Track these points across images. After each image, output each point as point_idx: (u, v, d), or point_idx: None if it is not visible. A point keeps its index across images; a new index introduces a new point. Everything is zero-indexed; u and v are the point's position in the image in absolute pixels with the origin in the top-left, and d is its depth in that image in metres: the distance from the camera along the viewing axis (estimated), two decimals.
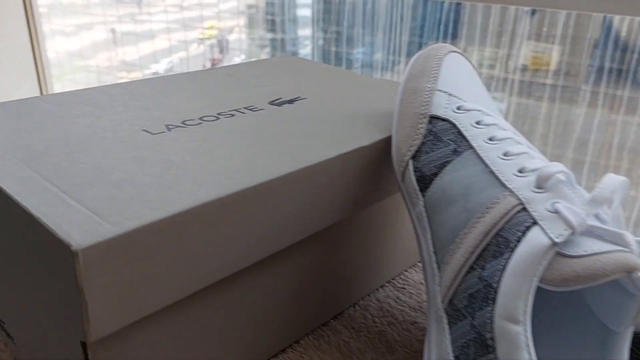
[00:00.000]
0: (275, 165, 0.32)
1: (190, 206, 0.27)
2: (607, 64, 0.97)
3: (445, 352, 0.28)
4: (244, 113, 0.41)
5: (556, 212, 0.26)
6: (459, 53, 0.40)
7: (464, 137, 0.33)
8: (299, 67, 0.54)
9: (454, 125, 0.33)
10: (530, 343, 0.24)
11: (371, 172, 0.37)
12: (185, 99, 0.43)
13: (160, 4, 2.11)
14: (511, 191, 0.28)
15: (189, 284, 0.28)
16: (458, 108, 0.34)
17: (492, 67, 1.09)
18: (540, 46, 1.02)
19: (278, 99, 0.44)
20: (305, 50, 1.69)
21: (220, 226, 0.28)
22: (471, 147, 0.32)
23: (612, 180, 0.27)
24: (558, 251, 0.25)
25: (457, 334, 0.27)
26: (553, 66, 1.02)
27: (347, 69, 0.53)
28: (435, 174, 0.32)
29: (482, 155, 0.31)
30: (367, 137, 0.37)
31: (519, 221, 0.27)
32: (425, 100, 0.35)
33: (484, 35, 1.09)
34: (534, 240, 0.25)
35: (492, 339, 0.25)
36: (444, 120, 0.34)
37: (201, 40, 2.06)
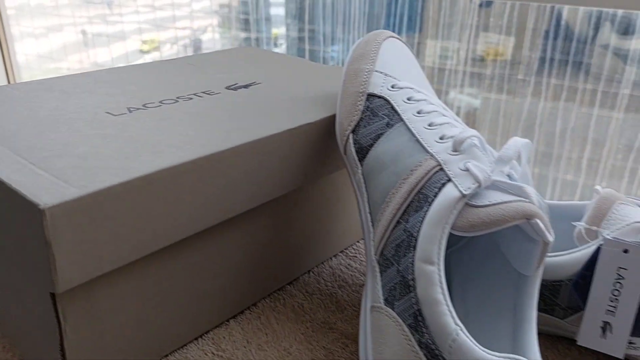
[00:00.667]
0: (227, 139, 0.35)
1: (146, 173, 0.30)
2: (557, 55, 1.02)
3: (377, 296, 0.32)
4: (201, 97, 0.44)
5: (467, 170, 0.30)
6: (397, 38, 0.44)
7: (396, 111, 0.36)
8: (257, 56, 0.58)
9: (388, 102, 0.37)
10: (443, 280, 0.28)
11: (318, 146, 0.41)
12: (146, 85, 0.46)
13: (131, 5, 2.11)
14: (432, 155, 0.32)
15: (147, 244, 0.31)
16: (392, 86, 0.38)
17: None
18: (495, 37, 1.08)
19: (234, 84, 0.48)
20: (280, 49, 1.71)
21: (175, 192, 0.32)
22: (402, 120, 0.36)
23: (516, 142, 0.31)
24: (467, 202, 0.29)
25: (386, 279, 0.31)
26: (508, 57, 1.07)
27: (302, 58, 0.57)
28: (371, 145, 0.36)
29: (410, 126, 0.35)
30: (313, 115, 0.40)
31: (437, 179, 0.31)
32: (364, 80, 0.39)
33: (449, 28, 1.14)
34: (447, 194, 0.29)
35: (413, 279, 0.29)
36: (379, 97, 0.38)
37: (174, 40, 2.06)
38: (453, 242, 0.39)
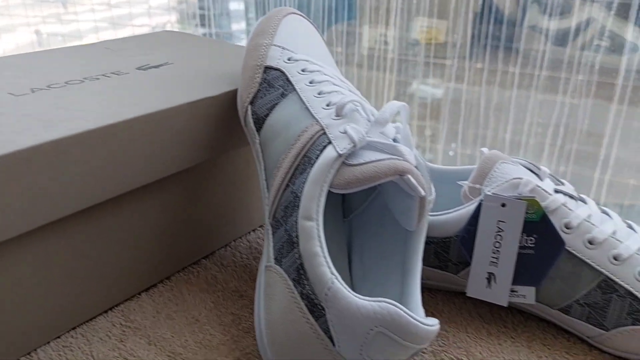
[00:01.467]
0: (127, 111, 0.36)
1: (30, 145, 0.31)
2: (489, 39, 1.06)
3: (269, 256, 0.33)
4: (109, 77, 0.44)
5: (345, 132, 0.32)
6: (300, 15, 0.45)
7: (290, 82, 0.38)
8: (176, 39, 0.58)
9: (284, 73, 0.39)
10: (321, 234, 0.30)
11: (222, 120, 0.42)
12: (56, 68, 0.46)
13: (86, 3, 2.05)
14: (317, 121, 0.34)
15: (37, 216, 0.32)
16: (289, 59, 0.40)
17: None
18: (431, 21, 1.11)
19: (145, 65, 0.48)
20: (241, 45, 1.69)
21: (64, 165, 0.32)
22: (295, 90, 0.37)
23: (392, 106, 0.33)
24: (344, 162, 0.31)
25: (277, 239, 0.33)
26: (442, 40, 1.11)
27: (224, 40, 0.57)
28: (267, 115, 0.37)
29: (301, 95, 0.36)
30: (216, 90, 0.41)
31: (319, 143, 0.32)
32: (262, 54, 0.40)
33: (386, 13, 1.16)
34: (326, 155, 0.31)
35: (296, 236, 0.31)
36: (276, 69, 0.39)
37: None
38: (355, 206, 0.41)
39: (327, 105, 0.35)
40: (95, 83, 0.43)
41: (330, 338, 0.29)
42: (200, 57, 0.51)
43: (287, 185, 0.33)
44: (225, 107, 0.42)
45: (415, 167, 0.34)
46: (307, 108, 0.35)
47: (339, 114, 0.33)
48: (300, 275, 0.30)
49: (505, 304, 0.37)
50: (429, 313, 0.40)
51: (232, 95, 0.42)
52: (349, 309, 0.28)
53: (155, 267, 0.42)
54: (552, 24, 1.05)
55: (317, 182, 0.31)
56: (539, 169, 0.39)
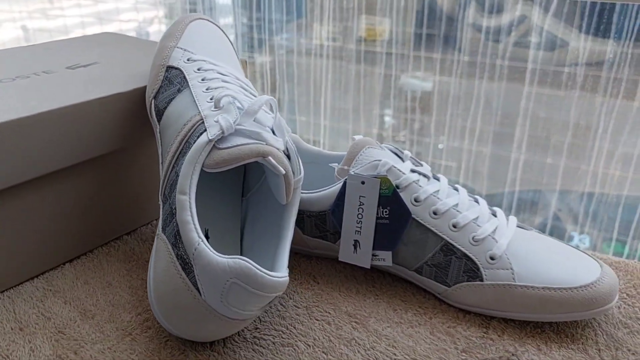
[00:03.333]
0: (43, 105, 0.42)
1: None
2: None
3: (158, 228, 0.39)
4: (39, 75, 0.50)
5: (217, 121, 0.38)
6: (207, 20, 0.51)
7: (186, 79, 0.44)
8: (113, 41, 0.64)
9: (182, 72, 0.45)
10: (192, 206, 0.36)
11: (133, 113, 0.48)
12: None
13: None
14: (200, 112, 0.40)
15: None
16: (188, 59, 0.46)
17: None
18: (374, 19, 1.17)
19: (76, 65, 0.54)
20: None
21: None
22: (188, 86, 0.43)
23: (260, 99, 0.39)
24: (215, 146, 0.37)
25: (164, 212, 0.39)
26: (386, 36, 1.17)
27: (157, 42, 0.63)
28: (165, 107, 0.44)
29: (192, 90, 0.43)
30: (130, 86, 0.48)
31: (198, 130, 0.39)
32: (166, 55, 0.47)
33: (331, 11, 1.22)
34: (200, 140, 0.37)
35: (175, 208, 0.37)
36: (176, 68, 0.45)
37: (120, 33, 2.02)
38: (251, 186, 0.48)
39: (210, 99, 0.41)
40: (25, 81, 0.48)
41: (198, 290, 0.35)
42: (127, 57, 0.57)
43: (173, 167, 0.39)
44: (137, 101, 0.48)
45: (285, 150, 0.40)
46: (194, 101, 0.42)
47: (216, 106, 0.40)
48: (177, 239, 0.36)
49: (368, 266, 0.44)
50: (310, 276, 0.46)
51: (143, 91, 0.48)
52: (210, 264, 0.34)
53: (78, 241, 0.48)
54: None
55: (191, 162, 0.37)
56: (402, 152, 0.46)
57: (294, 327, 0.41)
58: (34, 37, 2.12)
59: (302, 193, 0.46)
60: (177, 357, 0.38)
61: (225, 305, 0.35)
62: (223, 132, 0.37)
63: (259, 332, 0.40)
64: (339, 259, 0.45)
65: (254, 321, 0.41)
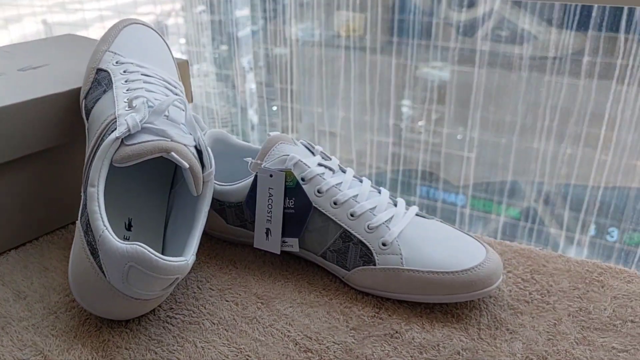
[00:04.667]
0: None
1: None
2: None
3: (78, 222, 0.43)
4: None
5: (126, 120, 0.42)
6: (143, 24, 0.55)
7: (111, 81, 0.48)
8: (69, 43, 0.68)
9: (109, 74, 0.49)
10: (100, 197, 0.40)
11: (72, 112, 0.52)
12: None
13: None
14: (115, 111, 0.44)
15: None
16: (116, 62, 0.50)
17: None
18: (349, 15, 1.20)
19: (27, 67, 0.58)
20: (245, 31, 1.68)
21: None
22: (112, 87, 0.47)
23: (168, 99, 0.43)
24: (124, 142, 0.41)
25: (81, 204, 0.43)
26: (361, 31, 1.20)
27: None
28: (92, 107, 0.48)
29: (115, 92, 0.47)
30: (66, 86, 0.52)
31: (111, 128, 0.43)
32: (98, 58, 0.51)
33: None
34: (110, 137, 0.41)
35: (85, 199, 0.41)
36: (104, 71, 0.49)
37: None
38: (177, 180, 0.51)
39: (126, 100, 0.45)
40: None
41: (103, 272, 0.39)
42: (78, 60, 0.61)
43: (90, 161, 0.44)
44: (75, 101, 0.52)
45: (197, 145, 0.44)
46: (114, 102, 0.46)
47: (130, 106, 0.44)
48: (87, 227, 0.40)
49: (278, 252, 0.48)
50: (231, 262, 0.50)
51: (78, 92, 0.52)
52: (111, 249, 0.38)
53: (23, 230, 0.53)
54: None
55: (100, 157, 0.41)
56: (313, 147, 0.49)
57: (204, 307, 0.45)
58: (53, 31, 2.14)
59: (222, 185, 0.50)
60: (92, 333, 0.42)
61: (127, 286, 0.39)
62: (129, 130, 0.41)
63: (172, 312, 0.44)
64: (254, 246, 0.49)
65: (170, 301, 0.45)
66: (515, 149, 1.16)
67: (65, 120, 0.52)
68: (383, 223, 0.45)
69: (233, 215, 0.50)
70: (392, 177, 1.37)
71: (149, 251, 0.38)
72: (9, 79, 0.54)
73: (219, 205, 0.50)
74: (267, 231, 0.48)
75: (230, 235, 0.52)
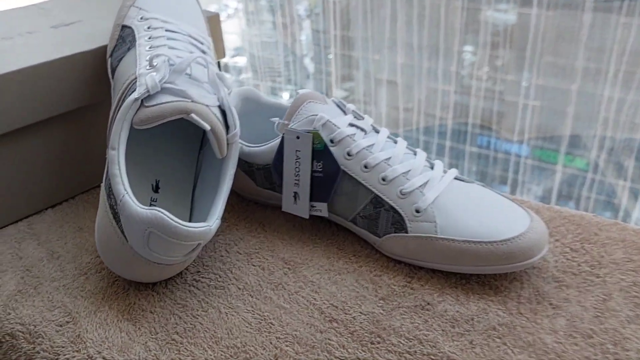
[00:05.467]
0: (10, 66, 0.46)
1: None
2: None
3: (102, 185, 0.43)
4: (22, 35, 0.54)
5: (145, 80, 0.40)
6: None
7: (135, 38, 0.46)
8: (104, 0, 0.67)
9: (133, 31, 0.47)
10: (121, 160, 0.39)
11: (100, 70, 0.51)
12: None
13: None
14: (136, 71, 0.42)
15: None
16: (141, 18, 0.48)
17: None
18: None
19: (59, 24, 0.58)
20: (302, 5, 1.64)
21: None
22: (135, 45, 0.46)
23: (188, 57, 0.41)
24: (143, 104, 0.40)
25: (105, 166, 0.42)
26: None
27: None
28: (117, 66, 0.46)
29: (138, 49, 0.45)
30: (94, 44, 0.51)
31: (131, 89, 0.41)
32: (123, 14, 0.49)
33: None
34: (130, 98, 0.40)
35: (107, 164, 0.40)
36: (129, 27, 0.48)
37: None
38: (205, 141, 0.50)
39: (148, 58, 0.43)
40: (7, 42, 0.53)
41: (125, 237, 0.39)
42: (111, 16, 0.60)
43: (112, 123, 0.43)
44: (102, 60, 0.51)
45: (219, 105, 0.42)
46: (136, 60, 0.44)
47: (150, 65, 0.42)
48: (109, 191, 0.40)
49: (307, 216, 0.46)
50: (260, 225, 0.49)
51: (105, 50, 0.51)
52: (131, 215, 0.37)
53: (59, 189, 0.53)
54: None
55: (120, 119, 0.40)
56: (344, 106, 0.46)
57: (231, 272, 0.44)
58: None
59: (250, 147, 0.48)
60: (120, 295, 0.42)
61: (149, 251, 0.38)
62: (149, 91, 0.40)
63: (199, 275, 0.44)
64: (282, 209, 0.47)
65: (197, 264, 0.45)
66: (580, 97, 1.07)
67: (97, 79, 0.51)
68: (417, 188, 0.42)
69: (262, 177, 0.48)
70: (451, 126, 1.31)
71: (168, 217, 0.37)
72: (41, 37, 0.53)
73: (247, 167, 0.49)
74: (295, 195, 0.46)
75: (260, 198, 0.51)
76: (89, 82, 0.51)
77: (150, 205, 0.45)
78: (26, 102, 0.47)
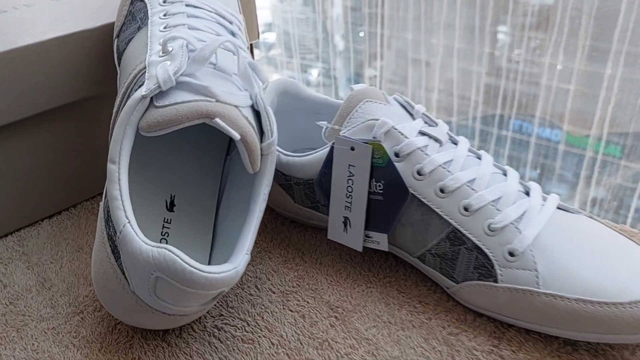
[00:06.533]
0: (6, 42, 0.37)
1: None
2: None
3: (101, 204, 0.34)
4: (17, 9, 0.45)
5: (156, 72, 0.30)
6: None
7: (147, 14, 0.37)
8: None
9: (145, 4, 0.37)
10: (122, 178, 0.30)
11: (105, 53, 0.41)
12: None
13: None
14: (146, 58, 0.33)
15: None
16: None
17: None
18: None
19: None
20: None
21: None
22: (147, 23, 0.36)
23: (214, 41, 0.31)
24: (153, 103, 0.30)
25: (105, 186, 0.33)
26: None
27: None
28: (124, 49, 0.37)
29: (149, 29, 0.35)
30: (100, 21, 0.41)
31: (139, 82, 0.32)
32: None
33: None
34: (134, 96, 0.30)
35: (107, 180, 0.31)
36: (141, 1, 0.38)
37: None
38: (233, 147, 0.40)
39: (161, 42, 0.33)
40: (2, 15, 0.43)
41: (126, 278, 0.29)
42: None
43: (114, 126, 0.33)
44: (107, 40, 0.41)
45: (254, 105, 0.32)
46: (147, 43, 0.34)
47: (164, 51, 0.32)
48: (108, 216, 0.30)
49: (359, 249, 0.36)
50: (298, 253, 0.39)
51: (110, 29, 0.41)
52: (134, 252, 0.28)
53: (57, 196, 0.44)
54: None
55: (122, 124, 0.30)
56: (412, 107, 0.36)
57: (262, 318, 0.34)
58: None
59: (288, 155, 0.38)
60: (121, 346, 0.33)
61: (156, 300, 0.29)
62: (160, 86, 0.30)
63: (221, 321, 0.34)
64: (328, 237, 0.37)
65: (220, 305, 0.35)
66: (619, 81, 0.97)
67: (103, 65, 0.41)
68: (511, 223, 0.32)
69: (301, 194, 0.39)
70: (483, 109, 1.23)
71: (180, 258, 0.27)
72: (38, 11, 0.44)
73: (284, 180, 0.39)
74: (346, 221, 0.36)
75: (298, 217, 0.41)
76: (93, 69, 0.41)
77: (163, 228, 0.36)
78: (15, 93, 0.38)
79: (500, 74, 1.16)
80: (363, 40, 1.40)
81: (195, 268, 0.27)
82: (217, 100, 0.30)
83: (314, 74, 1.61)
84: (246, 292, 0.36)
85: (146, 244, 0.28)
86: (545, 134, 1.19)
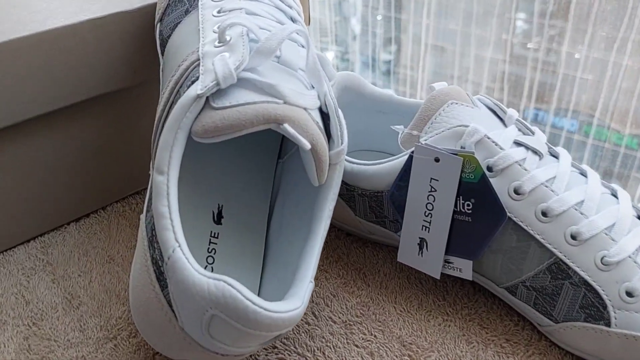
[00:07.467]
0: (31, 25, 0.32)
1: None
2: None
3: (145, 205, 0.29)
4: None
5: (213, 66, 0.26)
6: None
7: None
8: None
9: None
10: (171, 192, 0.25)
11: (144, 39, 0.36)
12: None
13: None
14: (199, 47, 0.28)
15: None
16: None
17: None
18: None
19: None
20: None
21: None
22: (197, 6, 0.31)
23: (283, 29, 0.26)
24: (210, 104, 0.25)
25: (150, 187, 0.28)
26: None
27: None
28: (169, 36, 0.32)
29: (200, 13, 0.30)
30: (136, 2, 0.36)
31: (192, 76, 0.27)
32: None
33: None
34: (188, 94, 0.25)
35: (151, 192, 0.26)
36: None
37: None
38: (290, 147, 0.35)
39: (217, 29, 0.28)
40: None
41: (174, 312, 0.25)
42: None
43: (159, 130, 0.28)
44: (146, 24, 0.36)
45: (324, 106, 0.27)
46: (199, 29, 0.29)
47: (221, 40, 0.27)
48: (153, 235, 0.26)
49: (437, 276, 0.31)
50: (360, 275, 0.35)
51: (151, 10, 0.36)
52: (185, 283, 0.23)
53: (84, 196, 0.40)
54: None
55: (172, 127, 0.25)
56: (504, 112, 0.31)
57: (323, 355, 0.30)
58: None
59: (352, 163, 0.33)
60: None
61: (209, 339, 0.24)
62: (218, 83, 0.25)
63: (275, 355, 0.30)
64: (398, 260, 0.32)
65: None
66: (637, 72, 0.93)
67: (141, 53, 0.37)
68: (629, 256, 0.26)
69: (364, 206, 0.34)
70: (498, 97, 1.19)
71: (242, 294, 0.22)
72: None
73: (345, 189, 0.34)
74: (422, 243, 0.31)
75: (358, 230, 0.36)
76: (130, 57, 0.36)
77: (210, 244, 0.31)
78: (42, 82, 0.33)
79: (517, 62, 1.13)
80: (380, 24, 1.37)
81: (259, 307, 0.23)
82: (285, 102, 0.25)
83: (329, 56, 1.58)
84: (302, 319, 0.32)
85: (200, 274, 0.23)
86: (561, 124, 1.16)
